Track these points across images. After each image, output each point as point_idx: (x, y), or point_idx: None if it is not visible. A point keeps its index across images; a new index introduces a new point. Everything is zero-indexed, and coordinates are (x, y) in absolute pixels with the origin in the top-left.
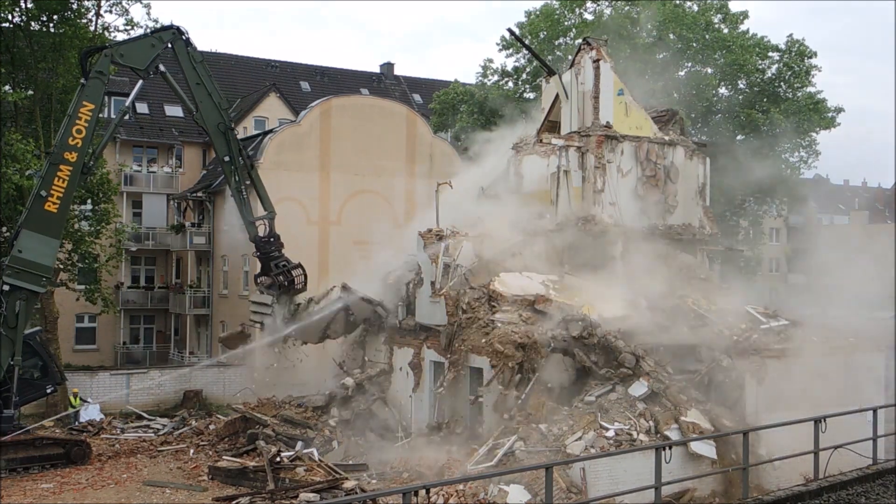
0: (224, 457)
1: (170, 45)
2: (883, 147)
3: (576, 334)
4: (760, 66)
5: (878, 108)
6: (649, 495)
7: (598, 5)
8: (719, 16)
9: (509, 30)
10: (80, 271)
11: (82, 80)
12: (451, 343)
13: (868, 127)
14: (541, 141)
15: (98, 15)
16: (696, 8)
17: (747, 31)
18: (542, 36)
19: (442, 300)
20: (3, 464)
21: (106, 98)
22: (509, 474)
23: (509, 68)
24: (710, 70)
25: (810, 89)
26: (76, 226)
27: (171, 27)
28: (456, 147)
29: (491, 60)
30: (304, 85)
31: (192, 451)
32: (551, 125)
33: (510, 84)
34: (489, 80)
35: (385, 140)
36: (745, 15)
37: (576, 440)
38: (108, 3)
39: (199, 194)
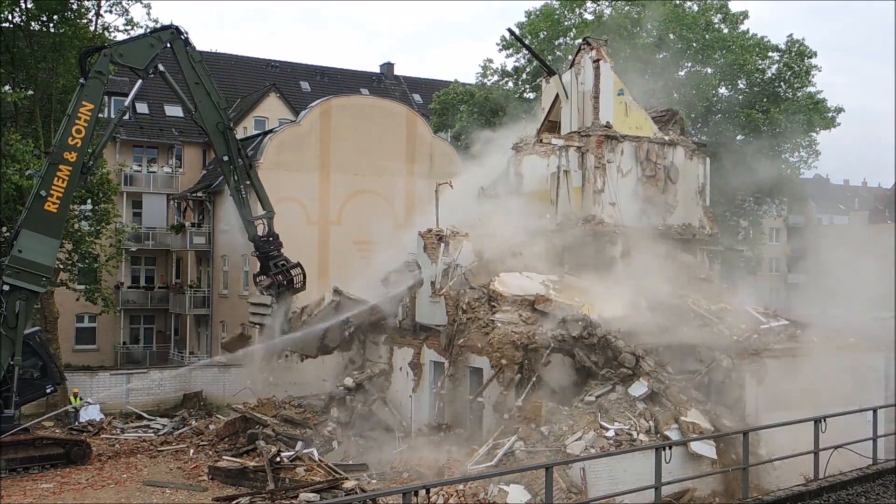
0: (224, 457)
1: (169, 45)
2: (883, 147)
3: (576, 334)
4: (760, 66)
5: (878, 108)
6: (649, 495)
7: (598, 5)
8: (719, 16)
9: (509, 30)
10: (80, 271)
11: (81, 80)
12: (451, 343)
13: (868, 127)
14: (541, 141)
15: (98, 15)
16: (696, 8)
17: (747, 31)
18: (542, 36)
19: (442, 300)
20: (3, 464)
21: (106, 98)
22: (509, 474)
23: (509, 68)
24: (710, 70)
25: (810, 89)
26: (76, 226)
27: (169, 27)
28: (456, 147)
29: (491, 60)
30: (304, 85)
31: (192, 451)
32: (551, 125)
33: (510, 84)
34: (489, 80)
35: (385, 140)
36: (745, 15)
37: (576, 440)
38: (108, 3)
39: (199, 194)
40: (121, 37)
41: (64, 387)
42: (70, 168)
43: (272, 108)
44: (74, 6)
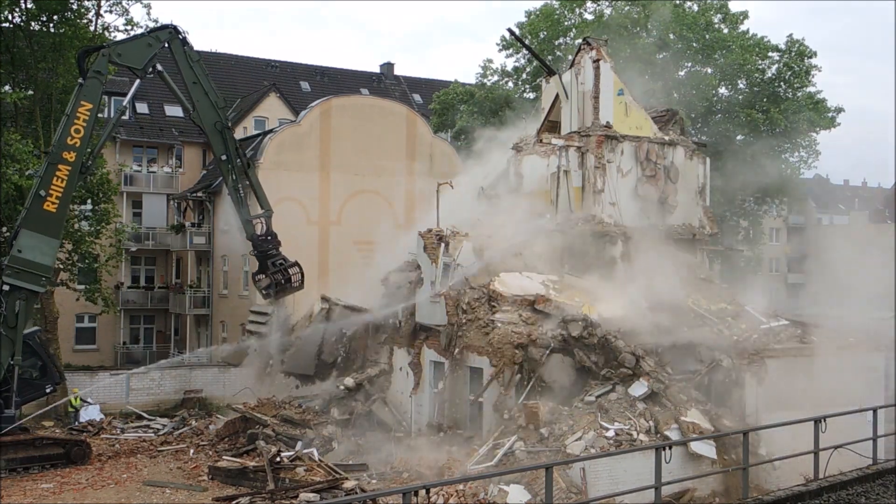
0: (224, 457)
1: (167, 45)
2: (883, 147)
3: (576, 334)
4: (760, 66)
5: (878, 108)
6: (649, 495)
7: (598, 5)
8: (719, 16)
9: (509, 30)
10: (80, 271)
11: (80, 80)
12: (451, 343)
13: (868, 127)
14: (541, 141)
15: (98, 15)
16: (696, 8)
17: (747, 31)
18: (542, 36)
19: (442, 300)
20: (3, 464)
21: (105, 98)
22: (509, 474)
23: (509, 68)
24: (710, 70)
25: (810, 89)
26: (76, 226)
27: (167, 26)
28: (456, 147)
29: (491, 60)
30: (304, 85)
31: (192, 451)
32: (551, 125)
33: (510, 84)
34: (489, 81)
35: (385, 140)
36: (745, 15)
37: (576, 440)
38: (108, 3)
39: (199, 194)
40: (121, 37)
41: (64, 386)
42: (69, 168)
43: (272, 108)
44: (74, 6)
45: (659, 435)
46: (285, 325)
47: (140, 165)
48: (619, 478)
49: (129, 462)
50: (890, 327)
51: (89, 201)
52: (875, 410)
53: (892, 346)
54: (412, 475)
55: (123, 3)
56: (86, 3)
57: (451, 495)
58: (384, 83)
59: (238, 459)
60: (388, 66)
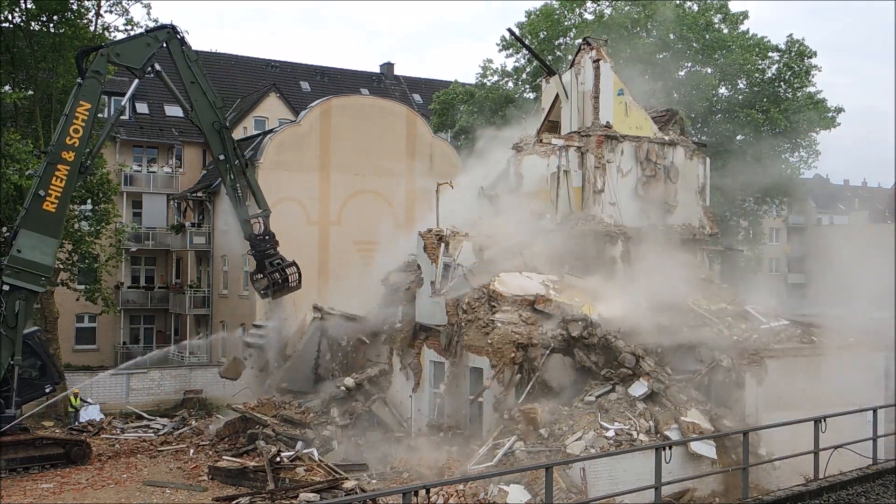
0: (224, 457)
1: (165, 45)
2: (883, 147)
3: (576, 334)
4: (760, 66)
5: (878, 108)
6: (649, 495)
7: (598, 5)
8: (719, 16)
9: (509, 30)
10: (80, 271)
11: (78, 80)
12: (451, 343)
13: (868, 127)
14: (541, 141)
15: (98, 15)
16: (696, 8)
17: (747, 31)
18: (542, 36)
19: (442, 300)
20: (3, 464)
21: (105, 98)
22: (509, 474)
23: (509, 68)
24: (710, 70)
25: (810, 89)
26: (76, 226)
27: (165, 26)
28: (456, 147)
29: (491, 61)
30: (304, 85)
31: (192, 451)
32: (551, 125)
33: (510, 84)
34: (489, 81)
35: (385, 140)
36: (745, 15)
37: (576, 440)
38: (108, 3)
39: (199, 194)
40: (121, 37)
41: (64, 386)
42: (68, 168)
43: (272, 108)
44: (74, 6)
45: (659, 435)
46: (283, 338)
47: (140, 165)
48: (619, 478)
49: (129, 462)
50: (890, 327)
51: (89, 201)
52: (875, 410)
53: (893, 346)
54: (412, 475)
55: (123, 3)
56: (86, 3)
57: (451, 495)
58: (384, 83)
59: (238, 459)
60: (388, 66)
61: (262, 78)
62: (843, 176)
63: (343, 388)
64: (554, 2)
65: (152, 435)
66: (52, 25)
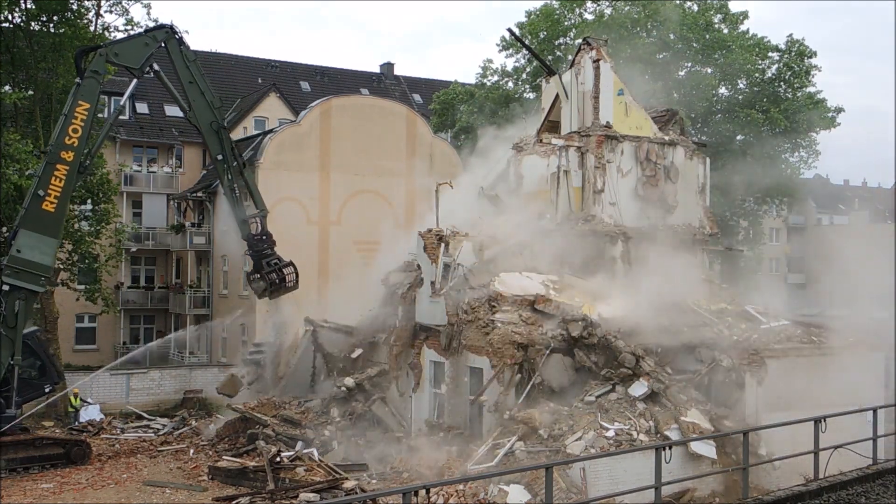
0: (224, 457)
1: (163, 45)
2: (883, 147)
3: (576, 334)
4: (760, 66)
5: (878, 108)
6: (649, 495)
7: (598, 5)
8: (719, 16)
9: (509, 30)
10: (80, 271)
11: (77, 80)
12: (451, 343)
13: (868, 127)
14: (541, 141)
15: (98, 15)
16: (696, 8)
17: (747, 31)
18: (542, 36)
19: (442, 300)
20: (3, 464)
21: (105, 98)
22: (509, 474)
23: (509, 68)
24: (710, 70)
25: (810, 89)
26: (76, 226)
27: (164, 26)
28: (456, 147)
29: (491, 60)
30: (304, 85)
31: (192, 451)
32: (551, 125)
33: (510, 84)
34: (489, 81)
35: (385, 140)
36: (745, 15)
37: (576, 440)
38: (108, 3)
39: (199, 194)
40: (121, 37)
41: (64, 386)
42: (67, 167)
43: (272, 108)
44: (74, 6)
45: (659, 435)
46: (279, 354)
47: (140, 165)
48: (619, 478)
49: (129, 462)
50: (890, 327)
51: (89, 201)
52: (875, 410)
53: (893, 346)
54: (412, 475)
55: (123, 3)
56: (86, 3)
57: (451, 495)
58: (384, 83)
59: (238, 459)
60: (388, 66)
61: (262, 78)
62: (843, 176)
63: (343, 388)
64: (554, 2)
65: (152, 435)
66: (52, 25)
